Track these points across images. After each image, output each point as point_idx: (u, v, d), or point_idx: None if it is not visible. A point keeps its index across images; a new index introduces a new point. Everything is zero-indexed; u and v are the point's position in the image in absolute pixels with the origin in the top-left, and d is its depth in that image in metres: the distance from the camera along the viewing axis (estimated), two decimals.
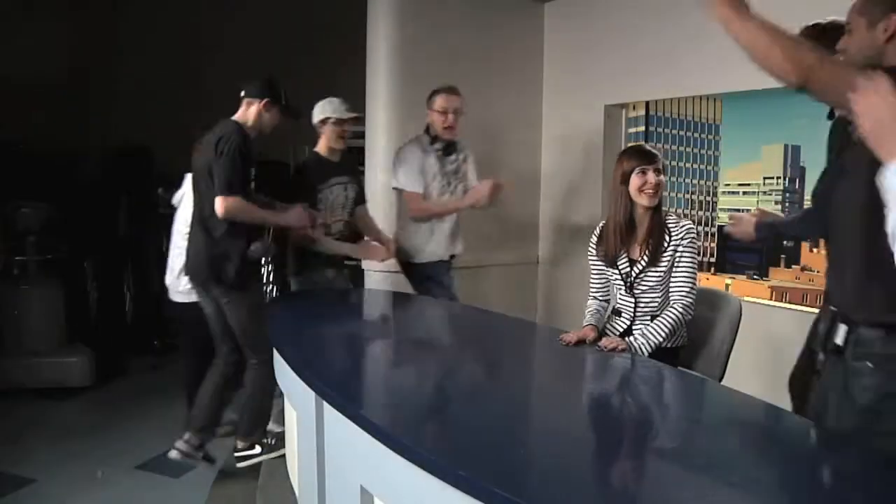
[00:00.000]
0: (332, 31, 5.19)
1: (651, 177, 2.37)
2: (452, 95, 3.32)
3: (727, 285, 3.82)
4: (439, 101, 3.32)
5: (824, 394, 1.73)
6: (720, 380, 2.42)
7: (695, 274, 2.41)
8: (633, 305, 2.44)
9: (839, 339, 1.68)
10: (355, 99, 4.08)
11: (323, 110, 3.27)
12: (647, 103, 4.21)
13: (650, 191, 2.37)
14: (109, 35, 5.91)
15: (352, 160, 3.54)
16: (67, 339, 4.77)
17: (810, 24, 2.23)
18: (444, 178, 3.40)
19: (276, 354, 2.49)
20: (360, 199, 3.45)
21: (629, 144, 3.42)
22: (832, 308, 1.76)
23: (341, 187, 3.31)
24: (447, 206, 3.42)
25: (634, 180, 2.38)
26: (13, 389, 4.33)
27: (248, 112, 2.99)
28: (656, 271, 2.39)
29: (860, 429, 1.59)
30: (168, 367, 5.23)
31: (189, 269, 3.06)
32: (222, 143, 2.82)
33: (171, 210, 3.53)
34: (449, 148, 3.40)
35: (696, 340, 2.53)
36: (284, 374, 2.34)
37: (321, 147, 3.32)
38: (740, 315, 2.50)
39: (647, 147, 2.52)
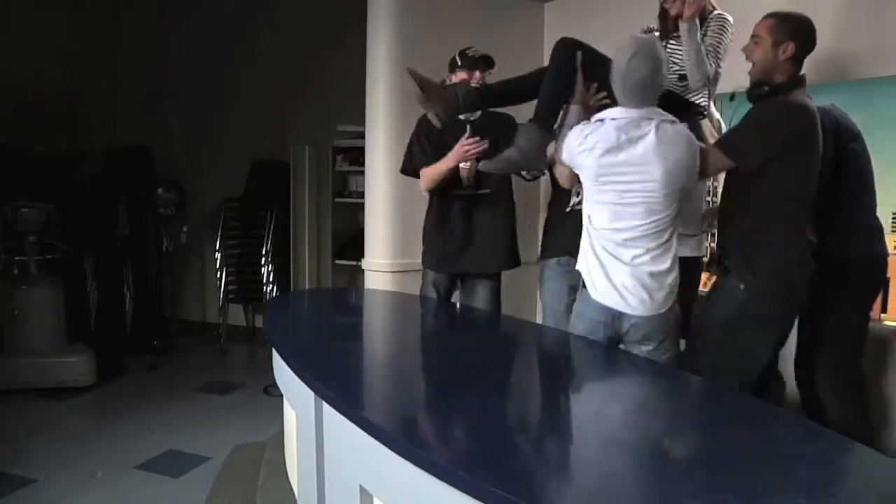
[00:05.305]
0: (331, 31, 5.19)
1: None
2: None
3: None
4: None
5: None
6: None
7: None
8: None
9: None
10: (354, 100, 4.09)
11: None
12: None
13: None
14: (110, 36, 5.91)
15: None
16: (67, 339, 4.77)
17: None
18: None
19: (274, 354, 2.49)
20: None
21: None
22: None
23: None
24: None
25: None
26: (13, 389, 4.33)
27: None
28: None
29: None
30: (168, 366, 5.24)
31: None
32: None
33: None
34: None
35: None
36: (283, 374, 2.34)
37: None
38: None
39: None
